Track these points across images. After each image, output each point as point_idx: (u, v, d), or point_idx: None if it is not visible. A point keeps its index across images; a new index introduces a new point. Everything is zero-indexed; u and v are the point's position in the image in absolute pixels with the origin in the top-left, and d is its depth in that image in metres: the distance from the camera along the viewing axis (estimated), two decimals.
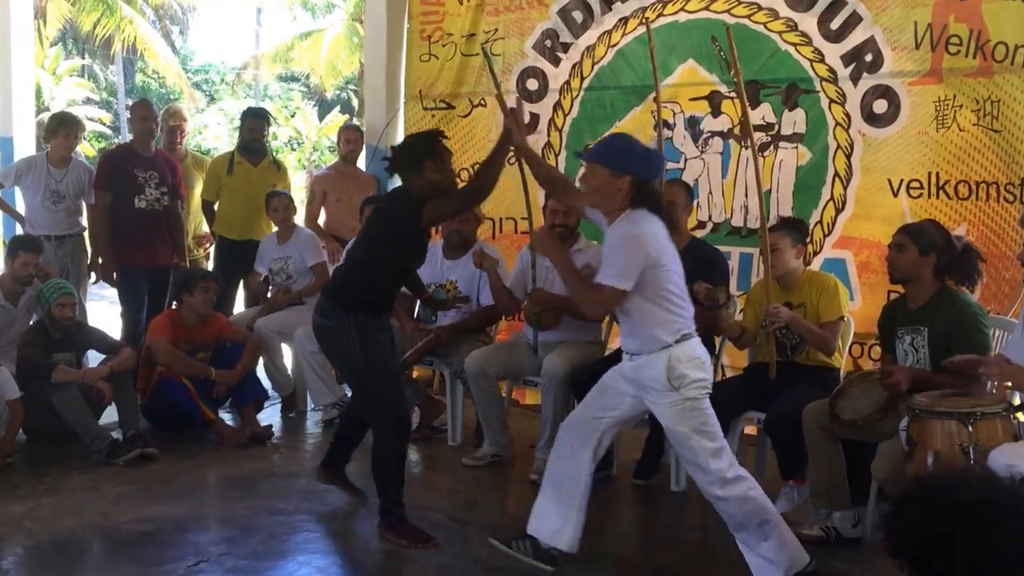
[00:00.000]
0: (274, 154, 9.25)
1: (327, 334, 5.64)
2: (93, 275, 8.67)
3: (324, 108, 43.26)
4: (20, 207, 8.97)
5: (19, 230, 9.00)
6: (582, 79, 8.20)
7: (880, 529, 2.23)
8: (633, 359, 4.85)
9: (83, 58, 42.99)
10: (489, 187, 5.46)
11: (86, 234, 8.70)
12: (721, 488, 4.73)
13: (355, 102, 39.34)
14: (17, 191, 8.98)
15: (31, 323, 7.60)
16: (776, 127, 7.30)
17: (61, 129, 8.59)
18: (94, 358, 7.79)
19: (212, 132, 39.48)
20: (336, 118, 38.64)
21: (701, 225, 7.58)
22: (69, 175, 8.53)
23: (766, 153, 7.28)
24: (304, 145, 39.15)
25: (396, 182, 9.20)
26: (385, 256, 5.55)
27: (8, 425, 6.82)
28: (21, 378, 6.99)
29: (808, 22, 7.14)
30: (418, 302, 7.63)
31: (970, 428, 4.57)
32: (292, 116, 40.14)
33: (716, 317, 6.20)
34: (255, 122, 9.09)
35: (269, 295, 8.65)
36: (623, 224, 4.72)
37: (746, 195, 7.43)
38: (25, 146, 11.12)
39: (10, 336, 7.45)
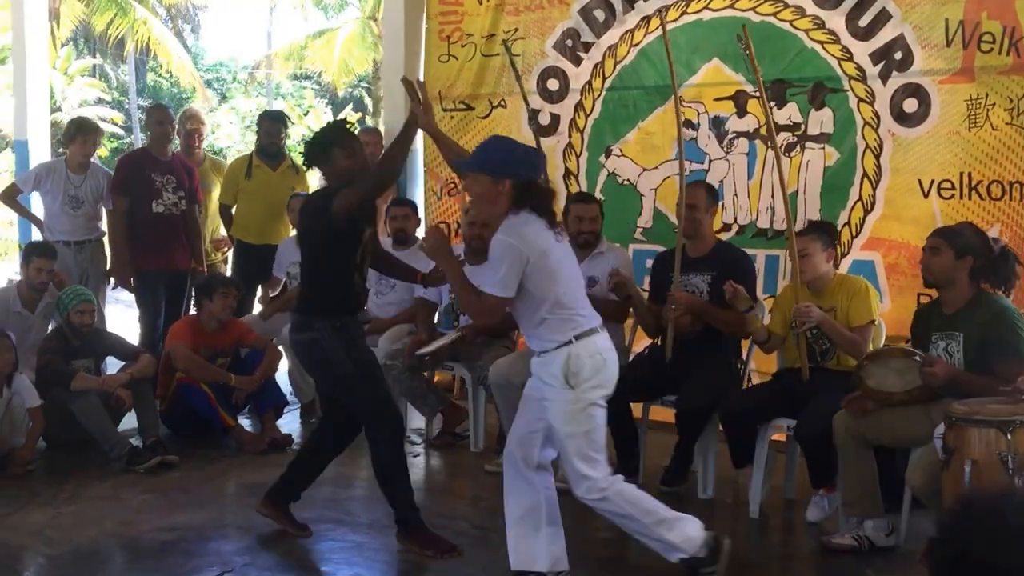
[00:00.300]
0: (292, 158, 9.14)
1: (308, 348, 5.51)
2: (112, 280, 8.60)
3: (337, 107, 43.20)
4: (39, 212, 8.90)
5: (36, 235, 8.95)
6: (604, 79, 8.09)
7: (925, 558, 2.13)
8: (538, 356, 4.79)
9: (95, 58, 43.00)
10: (393, 168, 5.45)
11: (106, 239, 8.63)
12: (599, 494, 4.69)
13: (368, 100, 39.25)
14: (35, 196, 8.91)
15: (50, 330, 7.54)
16: (803, 127, 7.19)
17: (79, 135, 8.53)
18: (112, 364, 7.71)
19: (224, 131, 39.44)
20: (348, 116, 38.60)
21: (726, 227, 7.47)
22: (88, 180, 8.47)
23: (792, 154, 7.18)
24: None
25: (416, 185, 9.21)
26: (325, 256, 5.42)
27: (28, 433, 6.77)
28: (41, 385, 6.94)
29: (835, 20, 7.03)
30: (436, 312, 7.56)
31: (1009, 436, 4.47)
32: (305, 115, 40.07)
33: (742, 320, 6.12)
34: (271, 125, 9.00)
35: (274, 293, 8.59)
36: (501, 230, 4.65)
37: (772, 196, 7.32)
38: (40, 150, 11.06)
39: (28, 343, 7.39)
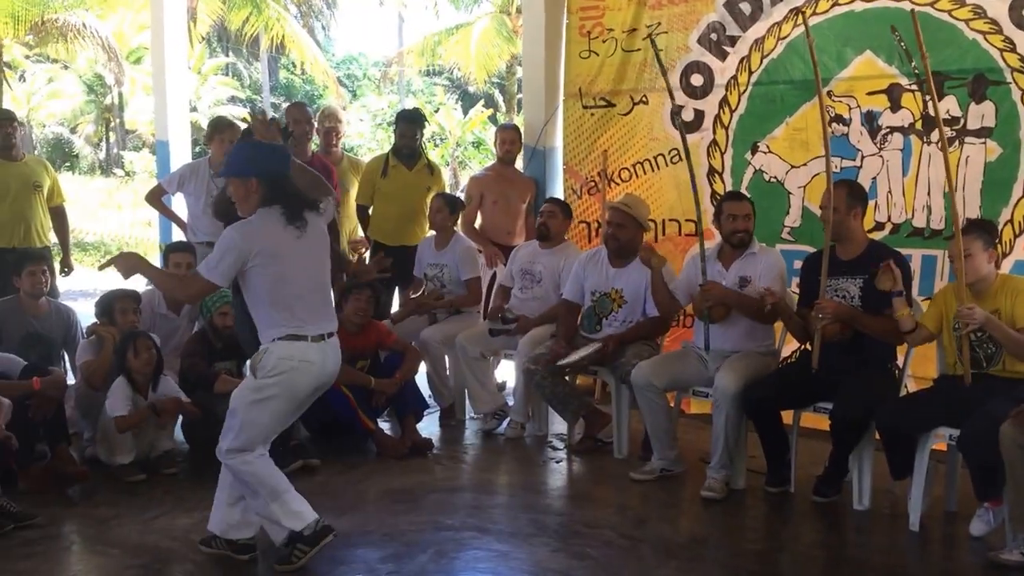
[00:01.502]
0: (428, 157, 9.06)
1: None
2: None
3: (467, 102, 43.34)
4: (181, 214, 8.99)
5: (177, 236, 9.01)
6: (750, 73, 7.88)
7: None
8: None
9: (227, 56, 43.76)
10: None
11: None
12: (227, 457, 5.13)
13: (498, 96, 39.30)
14: (178, 199, 8.99)
15: (193, 332, 7.55)
16: (962, 121, 6.91)
17: (216, 135, 8.62)
18: None
19: (355, 129, 39.75)
20: (479, 113, 38.66)
21: (879, 226, 7.21)
22: None
23: (951, 149, 6.88)
24: (447, 141, 39.25)
25: (556, 184, 9.08)
26: None
27: (183, 407, 6.90)
28: (184, 388, 6.97)
29: (998, 8, 6.74)
30: (579, 318, 7.44)
31: None
32: (436, 111, 40.26)
33: (895, 326, 5.90)
34: (407, 126, 8.89)
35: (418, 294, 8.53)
36: (233, 225, 5.00)
37: (929, 194, 7.04)
38: (180, 150, 11.20)
39: (172, 345, 7.42)
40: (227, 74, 44.11)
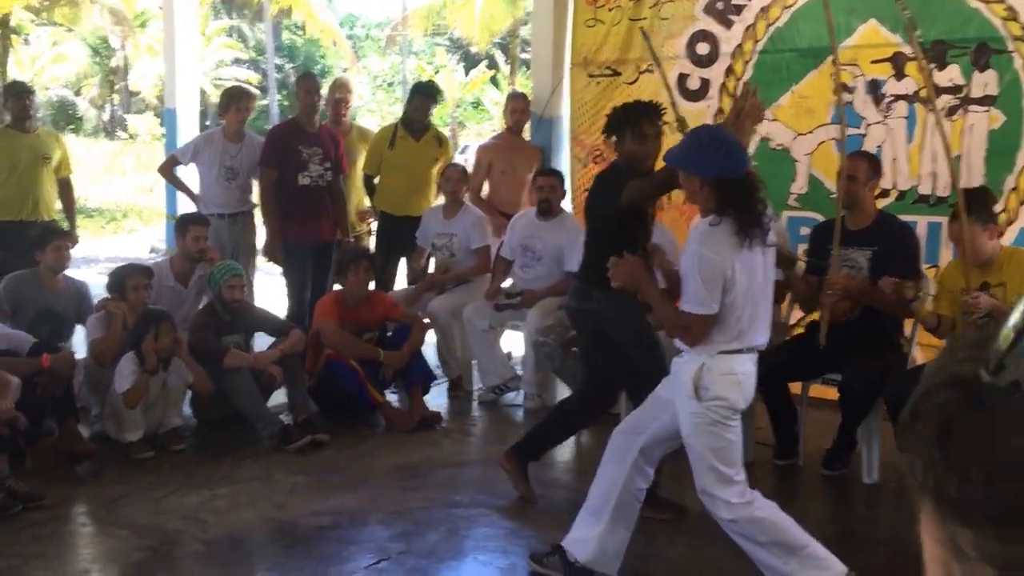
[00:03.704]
0: (437, 128, 9.05)
1: (584, 316, 5.61)
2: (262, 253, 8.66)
3: (469, 63, 43.19)
4: (192, 185, 8.97)
5: (185, 207, 9.02)
6: (756, 42, 7.85)
7: None
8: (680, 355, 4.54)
9: (231, 18, 43.57)
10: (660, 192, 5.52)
11: (257, 211, 8.66)
12: (728, 512, 4.42)
13: (500, 57, 39.14)
14: (187, 171, 8.98)
15: (201, 306, 7.57)
16: (965, 89, 6.89)
17: (232, 104, 8.63)
18: (260, 339, 7.72)
19: (355, 91, 39.60)
20: (482, 74, 38.53)
21: (884, 193, 7.18)
22: (244, 151, 8.55)
23: (955, 117, 6.88)
24: (446, 102, 39.15)
25: (561, 153, 9.07)
26: (612, 232, 5.29)
27: (198, 383, 6.89)
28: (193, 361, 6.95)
29: None
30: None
31: None
32: (436, 73, 40.11)
33: (904, 301, 5.88)
34: (421, 100, 8.82)
35: (431, 270, 8.51)
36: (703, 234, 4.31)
37: (934, 161, 7.04)
38: (189, 119, 11.20)
39: (180, 317, 7.40)
40: (231, 36, 43.93)
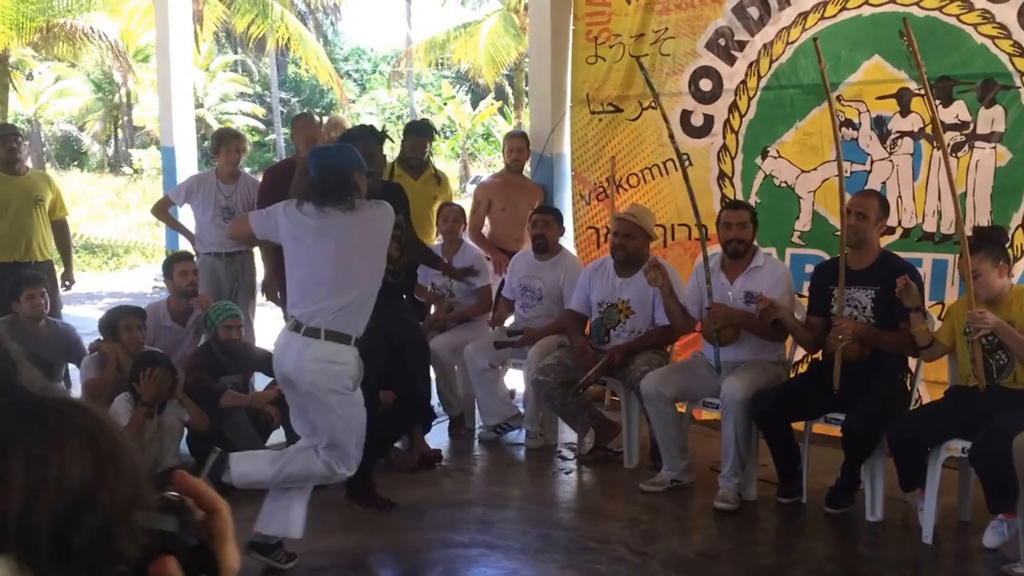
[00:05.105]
0: (435, 166, 9.01)
1: None
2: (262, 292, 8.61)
3: (476, 95, 43.32)
4: (188, 225, 8.95)
5: (183, 245, 9.00)
6: (759, 78, 7.80)
7: None
8: None
9: (235, 53, 43.77)
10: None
11: (256, 251, 8.62)
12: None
13: (508, 89, 39.25)
14: (185, 210, 8.97)
15: (198, 346, 7.52)
16: (971, 126, 6.84)
17: (222, 147, 8.61)
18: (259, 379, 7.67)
19: (365, 122, 39.72)
20: (489, 105, 38.64)
21: (890, 231, 7.12)
22: (238, 191, 8.51)
23: (960, 154, 6.83)
24: (457, 133, 39.24)
25: (564, 191, 9.03)
26: None
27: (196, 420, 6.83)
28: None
29: (1006, 13, 6.65)
30: (587, 329, 7.40)
31: None
32: (444, 105, 40.24)
33: (911, 340, 5.84)
34: (416, 139, 8.76)
35: (432, 310, 8.47)
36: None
37: (939, 199, 6.99)
38: (187, 157, 11.17)
39: (178, 357, 7.35)
40: (236, 71, 44.12)
